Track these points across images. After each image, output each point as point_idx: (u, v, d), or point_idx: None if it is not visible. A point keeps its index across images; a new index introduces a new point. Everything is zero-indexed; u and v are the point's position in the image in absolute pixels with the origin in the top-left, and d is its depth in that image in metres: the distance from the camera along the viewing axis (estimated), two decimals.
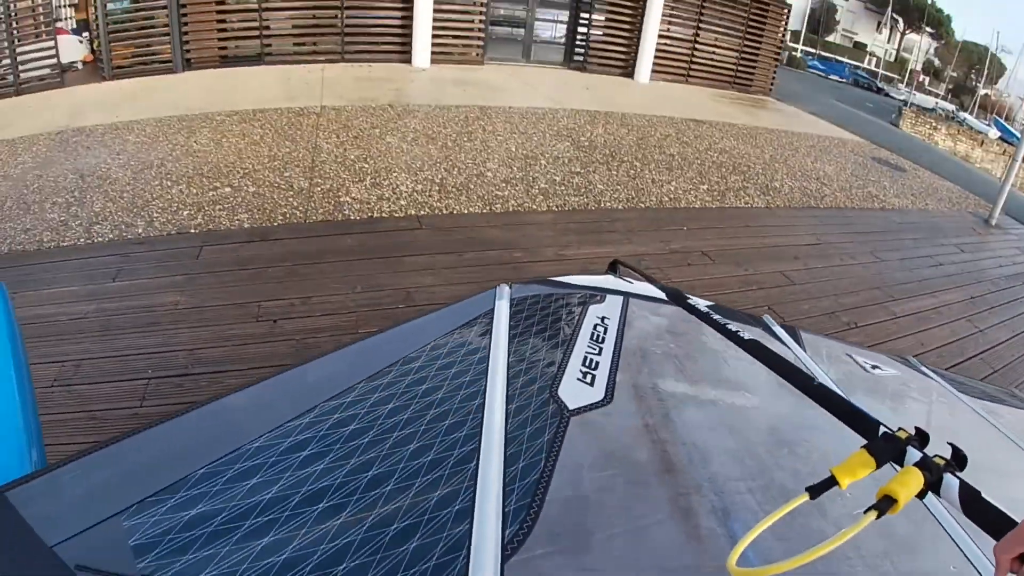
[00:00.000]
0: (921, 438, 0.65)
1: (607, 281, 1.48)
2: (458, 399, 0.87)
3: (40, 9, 8.51)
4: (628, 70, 12.76)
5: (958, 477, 0.59)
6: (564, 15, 12.51)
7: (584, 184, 5.87)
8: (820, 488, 0.58)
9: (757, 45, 14.35)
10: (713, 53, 13.84)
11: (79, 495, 0.68)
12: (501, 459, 0.75)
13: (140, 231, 4.09)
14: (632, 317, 1.26)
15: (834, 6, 53.65)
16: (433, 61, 10.90)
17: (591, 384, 0.96)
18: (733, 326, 0.99)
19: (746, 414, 1.08)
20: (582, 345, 1.08)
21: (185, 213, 4.36)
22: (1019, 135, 35.99)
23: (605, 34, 12.54)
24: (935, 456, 0.61)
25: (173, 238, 4.05)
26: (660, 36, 12.61)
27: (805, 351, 1.34)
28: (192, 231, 4.14)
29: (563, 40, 12.72)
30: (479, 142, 6.58)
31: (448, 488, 0.71)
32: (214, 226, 4.23)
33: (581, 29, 12.41)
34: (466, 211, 4.96)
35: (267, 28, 10.08)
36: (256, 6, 9.83)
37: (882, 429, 0.67)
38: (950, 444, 0.64)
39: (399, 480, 0.72)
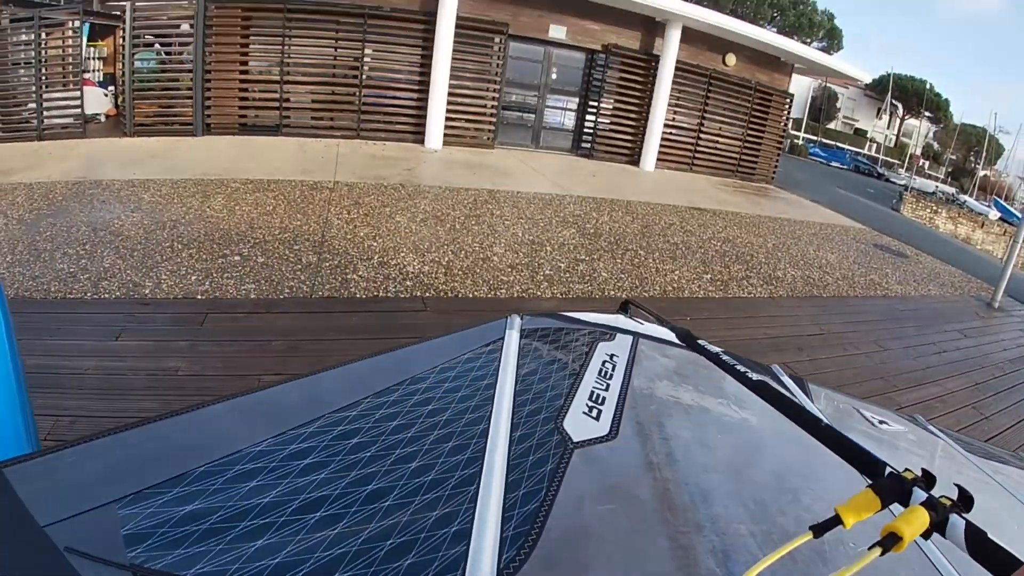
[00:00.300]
0: (927, 480, 0.64)
1: (618, 320, 1.48)
2: (463, 422, 0.87)
3: (70, 59, 8.92)
4: (634, 158, 13.16)
5: (964, 518, 0.58)
6: (573, 103, 12.99)
7: (588, 272, 5.94)
8: (824, 527, 0.57)
9: (760, 134, 14.80)
10: (717, 142, 14.31)
11: (76, 479, 0.68)
12: (502, 485, 0.74)
13: (147, 291, 4.11)
14: (641, 356, 1.25)
15: (835, 94, 55.13)
16: (445, 143, 11.28)
17: (597, 418, 0.95)
18: (741, 368, 0.99)
19: (752, 457, 1.07)
20: (590, 379, 1.08)
21: (193, 278, 4.40)
22: (1019, 215, 36.39)
23: (612, 122, 13.02)
24: (941, 497, 0.60)
25: (179, 302, 4.06)
26: (666, 125, 13.08)
27: (813, 402, 1.33)
28: (198, 296, 4.16)
29: (572, 127, 13.18)
30: (486, 226, 6.70)
31: (447, 509, 0.70)
32: (220, 294, 4.24)
33: (589, 117, 12.87)
34: (471, 295, 4.99)
35: (287, 100, 10.52)
36: (278, 78, 10.31)
37: (888, 469, 0.67)
38: (956, 485, 0.64)
39: (398, 496, 0.71)
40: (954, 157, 59.44)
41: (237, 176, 7.19)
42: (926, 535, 0.57)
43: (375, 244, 5.63)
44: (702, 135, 13.99)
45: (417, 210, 6.88)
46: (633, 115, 13.03)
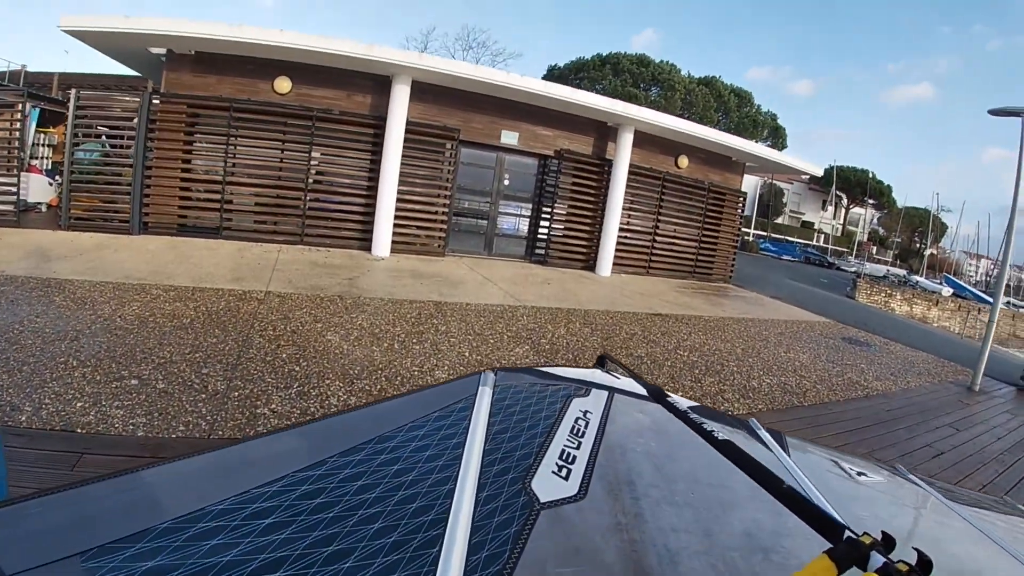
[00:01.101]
0: (886, 543, 0.65)
1: (594, 375, 1.48)
2: (429, 482, 0.85)
3: (14, 143, 8.45)
4: (589, 263, 12.83)
5: None
6: (526, 209, 12.71)
7: None
8: None
9: (715, 233, 14.73)
10: (673, 243, 14.16)
11: (41, 530, 0.67)
12: (465, 547, 0.72)
13: (24, 419, 3.43)
14: (615, 412, 1.25)
15: (781, 190, 57.31)
16: (394, 250, 10.84)
17: (566, 478, 0.93)
18: (709, 426, 0.99)
19: (723, 517, 1.02)
20: (561, 438, 1.07)
21: (79, 405, 3.69)
22: (971, 289, 37.72)
23: (566, 228, 12.73)
24: (899, 562, 0.60)
25: (55, 436, 3.36)
26: (621, 229, 12.87)
27: (789, 456, 1.31)
28: (78, 430, 3.45)
29: (525, 234, 12.86)
30: (429, 345, 6.04)
31: (407, 571, 0.69)
32: (105, 427, 3.53)
33: (543, 223, 12.58)
34: None
35: (229, 202, 10.09)
36: (221, 179, 9.86)
37: (847, 533, 0.66)
38: (915, 549, 0.66)
39: (359, 558, 0.70)
40: (899, 239, 61.91)
41: (161, 282, 6.66)
42: None
43: (297, 369, 4.88)
44: (658, 237, 13.84)
45: (352, 326, 6.20)
46: (587, 220, 12.81)
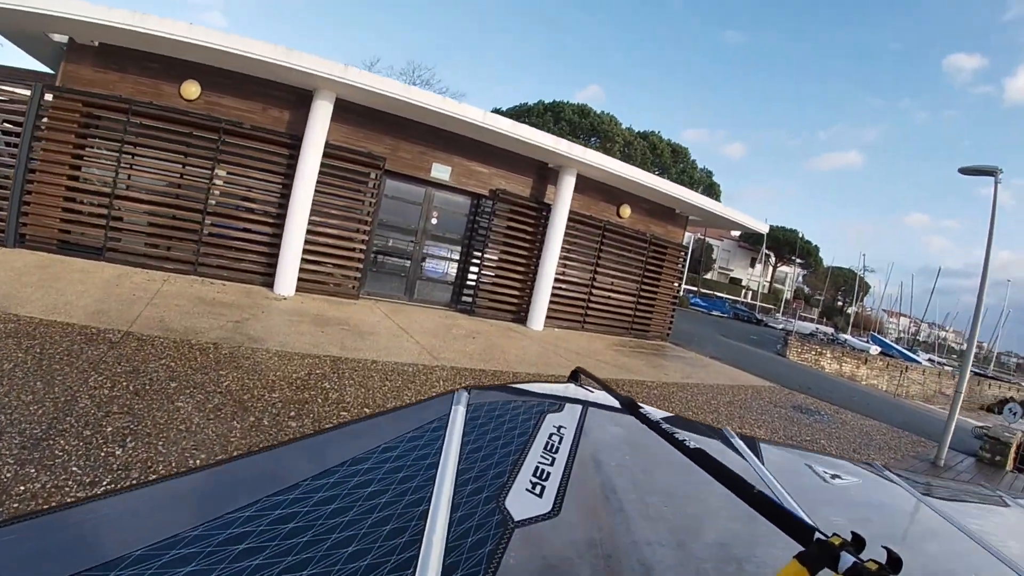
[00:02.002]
0: (856, 543, 0.65)
1: (567, 389, 1.48)
2: (403, 504, 0.84)
3: None
4: (521, 315, 11.76)
5: None
6: (455, 251, 11.58)
7: None
8: None
9: (655, 288, 13.99)
10: (610, 297, 13.27)
11: (13, 558, 0.65)
12: (439, 568, 0.71)
13: None
14: (589, 427, 1.25)
15: (711, 246, 58.30)
16: (300, 289, 9.56)
17: (540, 495, 0.92)
18: (681, 435, 0.99)
19: (697, 528, 1.03)
20: (535, 455, 1.06)
21: None
22: (897, 347, 38.85)
23: (498, 275, 11.62)
24: (868, 561, 0.61)
25: None
26: (556, 280, 11.88)
27: (763, 462, 1.31)
28: None
29: (453, 279, 11.69)
30: (310, 420, 4.73)
31: None
32: None
33: (472, 268, 11.47)
34: None
35: (118, 219, 8.74)
36: (110, 191, 8.50)
37: (817, 535, 0.66)
38: (885, 548, 0.67)
39: None
40: (821, 297, 64.05)
41: (6, 308, 5.55)
42: None
43: (119, 454, 3.49)
44: (595, 291, 12.91)
45: (217, 389, 4.82)
46: (521, 268, 11.77)
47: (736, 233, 64.73)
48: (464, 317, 10.90)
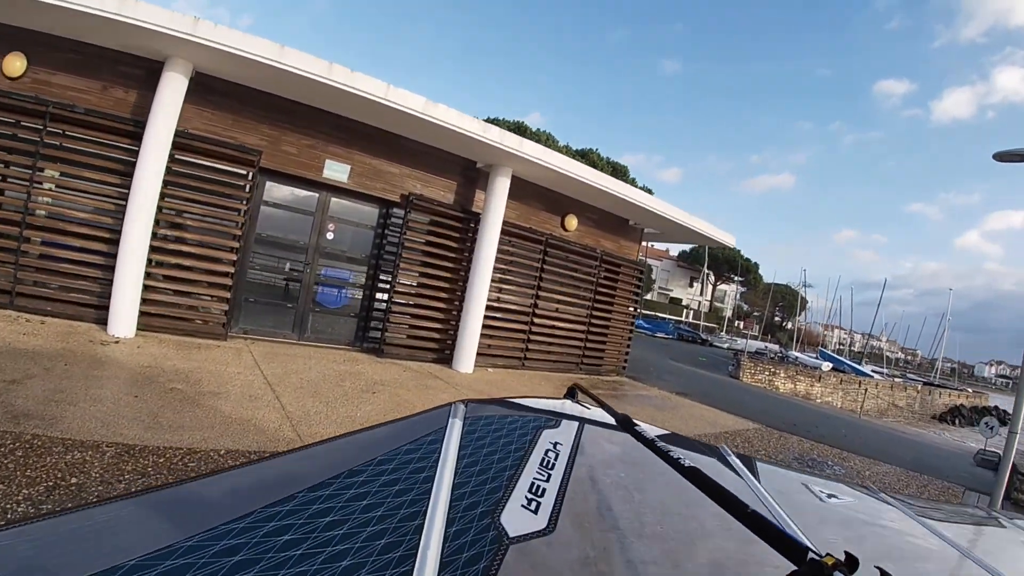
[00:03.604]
0: (850, 563, 0.65)
1: (564, 406, 1.49)
2: (398, 517, 0.84)
3: None
4: (445, 354, 9.39)
5: None
6: (360, 273, 9.13)
7: None
8: None
9: (607, 315, 11.98)
10: (557, 326, 11.05)
11: (6, 565, 0.65)
12: None
13: None
14: (586, 443, 1.26)
15: (649, 266, 57.64)
16: (144, 327, 7.19)
17: (535, 512, 0.92)
18: (676, 453, 0.99)
19: (691, 548, 1.03)
20: (531, 470, 1.06)
21: None
22: (848, 362, 38.59)
23: (415, 304, 9.22)
24: None
25: None
26: (490, 307, 9.62)
27: (759, 481, 1.32)
28: None
29: (356, 310, 9.22)
30: None
31: None
32: None
33: (381, 296, 9.03)
34: None
35: None
36: None
37: (810, 555, 0.67)
38: (878, 568, 0.68)
39: None
40: (759, 314, 64.76)
41: None
42: None
43: None
44: (537, 319, 10.65)
45: None
46: (444, 294, 9.42)
47: (675, 253, 65.51)
48: (369, 360, 8.45)
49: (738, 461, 1.40)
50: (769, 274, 74.90)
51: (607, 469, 1.20)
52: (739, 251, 63.06)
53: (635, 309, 12.97)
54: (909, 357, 79.72)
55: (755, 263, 66.77)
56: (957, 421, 32.65)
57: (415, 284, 9.13)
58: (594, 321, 11.61)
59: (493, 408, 1.33)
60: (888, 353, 68.02)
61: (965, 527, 1.61)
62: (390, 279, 8.88)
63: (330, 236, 8.89)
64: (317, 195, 8.73)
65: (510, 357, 10.23)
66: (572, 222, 10.92)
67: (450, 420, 1.16)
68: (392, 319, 8.82)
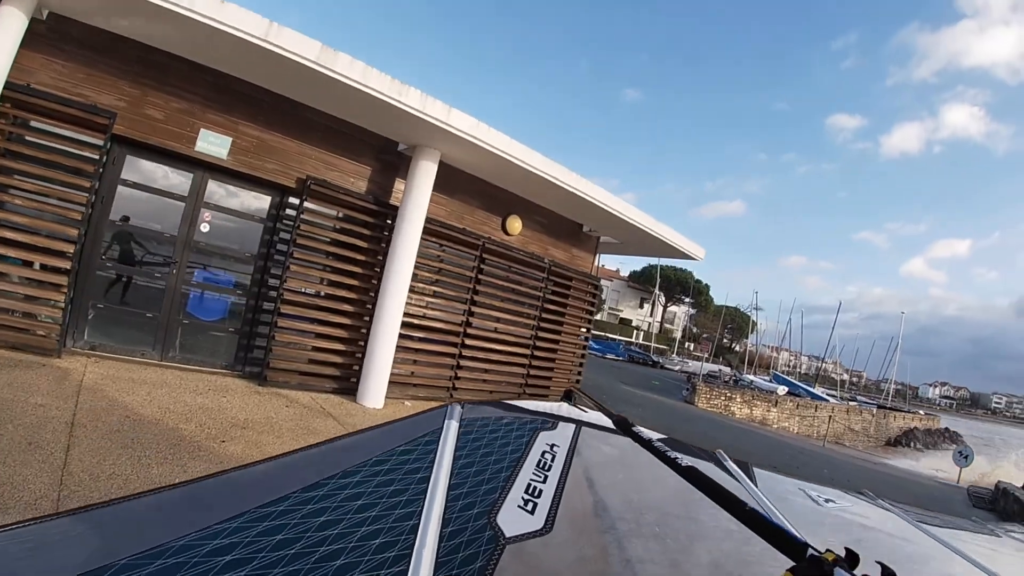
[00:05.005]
0: (851, 559, 0.65)
1: (561, 408, 1.49)
2: (392, 518, 0.83)
3: None
4: (350, 382, 7.53)
5: None
6: (245, 277, 7.26)
7: None
8: None
9: (556, 335, 10.30)
10: (493, 349, 9.30)
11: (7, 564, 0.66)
12: None
13: None
14: (582, 445, 1.25)
15: (601, 286, 57.04)
16: None
17: (532, 512, 0.92)
18: (674, 454, 0.99)
19: (690, 547, 1.03)
20: (528, 471, 1.06)
21: None
22: (802, 385, 38.45)
23: (310, 318, 7.33)
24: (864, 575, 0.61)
25: None
26: (408, 324, 7.86)
27: (756, 485, 1.32)
28: None
29: (240, 324, 7.32)
30: None
31: None
32: None
33: (269, 305, 7.15)
34: None
35: None
36: None
37: (810, 551, 0.66)
38: (879, 563, 0.67)
39: None
40: (707, 336, 65.37)
41: None
42: None
43: None
44: (470, 340, 8.89)
45: None
46: (349, 306, 7.58)
47: (626, 273, 65.17)
48: (245, 390, 6.53)
49: (734, 465, 1.40)
50: (720, 296, 75.90)
51: (605, 470, 1.21)
52: (691, 272, 63.47)
53: (588, 330, 11.34)
54: (855, 378, 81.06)
55: (707, 284, 67.41)
56: (912, 444, 32.74)
57: (311, 293, 7.31)
58: (540, 344, 9.96)
59: (490, 409, 1.33)
60: (834, 375, 68.79)
61: (962, 533, 1.59)
62: (279, 285, 7.01)
63: (205, 228, 7.01)
64: (192, 176, 6.88)
65: (434, 387, 8.44)
66: (516, 225, 9.26)
67: (446, 421, 1.15)
68: (278, 336, 6.95)
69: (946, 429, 38.62)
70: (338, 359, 7.43)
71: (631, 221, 9.42)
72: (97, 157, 6.05)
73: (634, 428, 1.20)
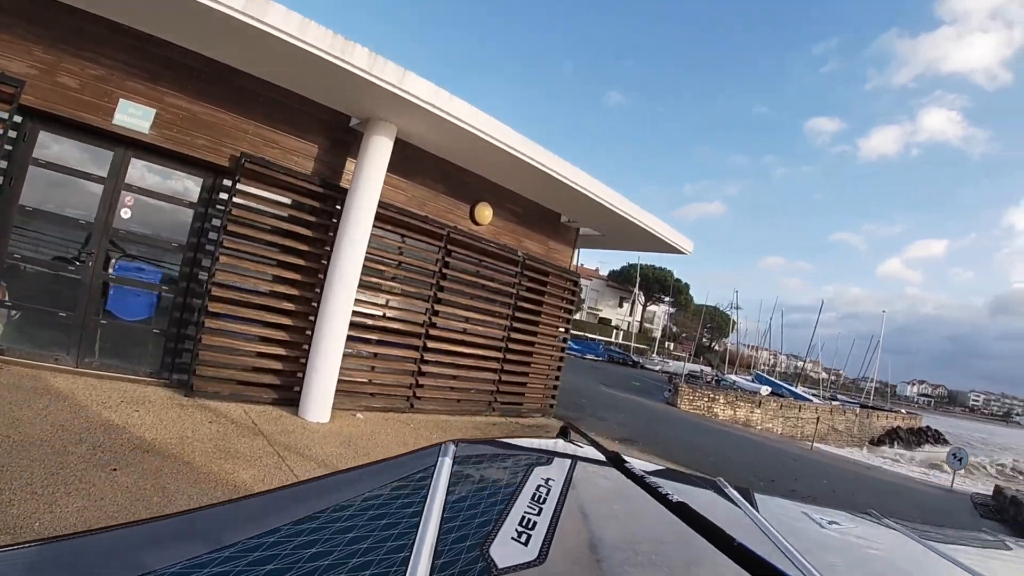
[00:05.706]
0: None
1: (556, 445, 1.48)
2: (384, 550, 0.82)
3: None
4: (291, 391, 6.62)
5: None
6: (174, 271, 6.37)
7: None
8: None
9: (530, 337, 9.45)
10: (459, 353, 8.47)
11: None
12: None
13: None
14: (578, 480, 1.24)
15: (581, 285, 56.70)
16: None
17: (525, 544, 0.90)
18: (665, 489, 0.96)
19: (687, 573, 1.02)
20: (522, 504, 1.04)
21: None
22: (785, 385, 38.34)
23: (243, 317, 6.39)
24: None
25: None
26: (360, 325, 7.04)
27: (758, 511, 1.29)
28: None
29: (166, 324, 6.38)
30: None
31: None
32: None
33: (198, 300, 6.25)
34: None
35: None
36: None
37: None
38: None
39: None
40: (685, 335, 65.28)
41: None
42: None
43: None
44: (433, 342, 8.01)
45: None
46: (291, 304, 6.68)
47: (605, 272, 64.93)
48: (167, 401, 5.62)
49: (735, 493, 1.38)
50: (700, 296, 76.36)
51: (600, 504, 1.20)
52: (671, 272, 63.36)
53: (566, 330, 10.53)
54: (834, 377, 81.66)
55: (687, 284, 67.47)
56: (896, 443, 32.68)
57: (247, 288, 6.40)
58: (513, 346, 9.14)
59: (484, 448, 1.33)
60: (812, 373, 69.06)
61: (971, 549, 1.54)
62: (207, 279, 6.12)
63: (126, 214, 6.10)
64: (112, 153, 5.98)
65: (392, 396, 7.60)
66: (486, 213, 8.44)
67: (440, 459, 1.13)
68: (206, 339, 6.05)
69: (928, 428, 38.71)
70: (279, 365, 6.52)
71: (615, 209, 8.57)
72: (1, 132, 5.18)
73: (626, 464, 1.16)
